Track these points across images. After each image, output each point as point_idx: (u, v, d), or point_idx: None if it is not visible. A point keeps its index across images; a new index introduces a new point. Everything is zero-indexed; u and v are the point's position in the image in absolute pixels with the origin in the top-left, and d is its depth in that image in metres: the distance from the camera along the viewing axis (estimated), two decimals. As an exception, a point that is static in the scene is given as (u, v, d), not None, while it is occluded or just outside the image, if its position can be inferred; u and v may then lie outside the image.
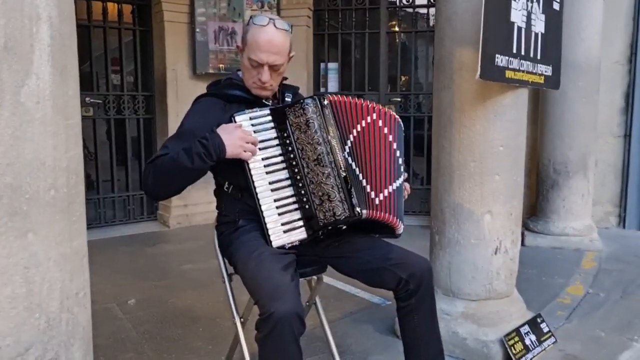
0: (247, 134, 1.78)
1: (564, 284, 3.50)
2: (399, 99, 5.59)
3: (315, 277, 2.07)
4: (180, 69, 5.22)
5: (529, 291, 3.19)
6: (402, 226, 1.91)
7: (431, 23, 5.51)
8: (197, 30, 5.17)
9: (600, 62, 4.36)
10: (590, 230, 4.40)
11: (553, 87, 2.63)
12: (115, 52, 5.23)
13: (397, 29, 5.65)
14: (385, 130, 1.89)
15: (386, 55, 5.62)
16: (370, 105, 1.90)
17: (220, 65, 5.26)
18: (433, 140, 2.56)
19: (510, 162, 2.40)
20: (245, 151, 1.77)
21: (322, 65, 5.81)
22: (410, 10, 5.59)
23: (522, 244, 3.92)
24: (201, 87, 5.19)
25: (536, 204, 4.61)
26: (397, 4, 5.60)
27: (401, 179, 1.92)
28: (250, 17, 1.89)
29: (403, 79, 5.80)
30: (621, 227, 5.02)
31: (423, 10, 5.67)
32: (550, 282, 3.53)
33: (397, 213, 1.87)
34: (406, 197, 1.99)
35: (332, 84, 5.80)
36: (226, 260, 1.96)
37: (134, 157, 5.44)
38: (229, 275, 1.95)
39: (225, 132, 1.76)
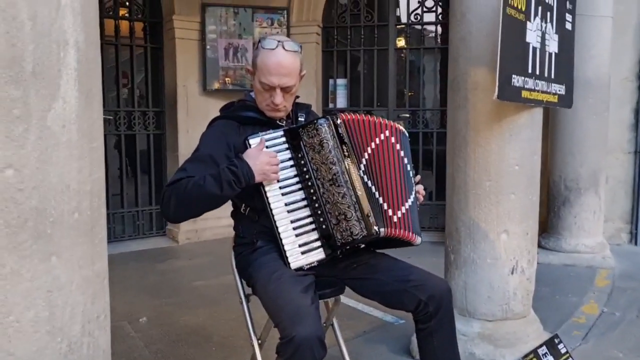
0: (272, 156, 1.79)
1: (578, 302, 3.48)
2: (407, 115, 5.60)
3: (332, 298, 2.06)
4: (190, 85, 5.26)
5: (544, 310, 3.16)
6: (420, 238, 1.93)
7: (439, 40, 5.54)
8: (208, 47, 5.22)
9: (609, 79, 4.37)
10: (603, 248, 4.38)
11: (566, 105, 2.63)
12: (126, 68, 5.28)
13: (405, 45, 5.68)
14: (398, 146, 1.91)
15: (395, 72, 5.64)
16: (382, 122, 1.91)
17: (227, 79, 5.29)
18: (448, 158, 2.56)
19: (525, 181, 2.40)
20: (273, 173, 1.78)
21: (331, 81, 5.84)
22: (419, 27, 5.62)
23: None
24: (211, 103, 5.30)
25: (547, 220, 4.59)
26: (406, 21, 5.62)
27: (414, 193, 1.93)
28: (259, 41, 1.90)
29: (411, 94, 5.81)
30: (633, 244, 4.99)
31: (431, 27, 5.70)
32: (565, 301, 3.50)
33: (414, 227, 1.89)
34: (421, 199, 2.01)
35: (341, 100, 5.82)
36: (243, 281, 1.95)
37: (144, 172, 5.46)
38: (247, 296, 1.95)
39: (251, 157, 1.76)
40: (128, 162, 5.41)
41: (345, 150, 1.82)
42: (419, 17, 5.54)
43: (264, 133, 1.84)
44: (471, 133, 2.38)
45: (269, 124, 1.94)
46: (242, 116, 1.94)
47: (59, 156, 1.20)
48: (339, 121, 1.85)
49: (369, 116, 1.91)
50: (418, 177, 2.03)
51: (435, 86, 5.76)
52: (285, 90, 1.88)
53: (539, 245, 4.48)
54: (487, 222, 2.39)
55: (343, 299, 3.14)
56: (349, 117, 1.88)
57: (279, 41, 1.86)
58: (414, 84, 5.84)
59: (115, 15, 5.10)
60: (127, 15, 5.21)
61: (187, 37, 5.18)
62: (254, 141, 1.82)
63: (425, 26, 5.63)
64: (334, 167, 1.80)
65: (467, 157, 2.40)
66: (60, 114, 1.21)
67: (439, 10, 5.47)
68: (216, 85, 5.27)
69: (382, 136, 1.88)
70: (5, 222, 1.12)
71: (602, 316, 3.26)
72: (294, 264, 1.77)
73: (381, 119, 1.92)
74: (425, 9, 5.50)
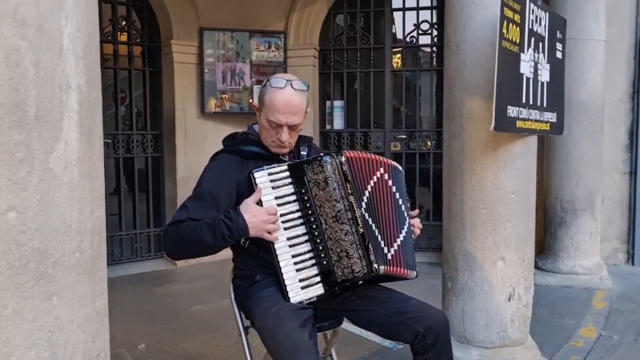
0: (271, 213, 1.80)
1: (575, 325, 3.49)
2: (404, 136, 5.64)
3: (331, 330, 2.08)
4: (188, 109, 5.30)
5: (542, 334, 3.18)
6: (415, 272, 1.96)
7: (434, 62, 5.60)
8: (206, 70, 5.27)
9: (603, 102, 4.42)
10: (600, 269, 4.40)
11: (557, 132, 2.67)
12: (125, 91, 5.32)
13: (401, 67, 5.74)
14: (390, 182, 1.95)
15: (391, 93, 5.69)
16: (378, 160, 1.95)
17: (225, 103, 5.33)
18: (444, 186, 2.59)
19: (521, 209, 2.42)
20: (268, 232, 1.80)
21: (328, 103, 5.89)
22: (414, 48, 5.68)
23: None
24: (210, 126, 5.33)
25: (544, 242, 4.61)
26: (402, 44, 5.68)
27: (406, 227, 1.96)
28: (268, 79, 1.93)
29: (409, 113, 5.86)
30: (630, 264, 5.01)
31: (427, 49, 5.76)
32: (562, 324, 3.51)
33: (408, 263, 1.93)
34: (418, 233, 2.04)
35: (338, 121, 5.87)
36: (242, 314, 1.97)
37: (142, 195, 5.47)
38: (245, 328, 1.96)
39: (249, 213, 1.78)
40: (126, 185, 5.42)
41: (349, 188, 1.85)
42: (414, 40, 5.61)
43: (268, 167, 1.86)
44: (467, 161, 2.41)
45: (273, 159, 1.96)
46: (246, 151, 1.96)
47: (60, 197, 1.22)
48: (343, 159, 1.87)
49: (367, 153, 1.94)
50: (416, 212, 2.06)
51: (431, 107, 5.81)
52: (291, 128, 1.91)
53: (536, 266, 4.50)
54: (483, 250, 2.41)
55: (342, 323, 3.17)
56: (352, 154, 1.91)
57: (287, 80, 1.89)
58: (410, 105, 5.89)
59: (114, 40, 5.15)
60: (125, 39, 5.26)
61: (185, 61, 5.23)
62: (258, 174, 1.83)
63: (421, 48, 5.70)
64: (337, 205, 1.83)
65: (463, 185, 2.43)
66: (62, 155, 1.23)
67: (434, 32, 5.54)
68: (214, 109, 5.31)
69: (378, 174, 1.92)
70: (8, 263, 1.14)
71: (600, 340, 3.27)
72: (293, 299, 1.79)
73: (377, 157, 1.95)
74: (420, 32, 5.57)
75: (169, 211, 5.42)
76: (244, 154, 1.95)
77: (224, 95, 5.34)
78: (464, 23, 2.35)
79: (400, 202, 1.96)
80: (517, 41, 2.17)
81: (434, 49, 5.61)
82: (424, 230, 5.36)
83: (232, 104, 5.37)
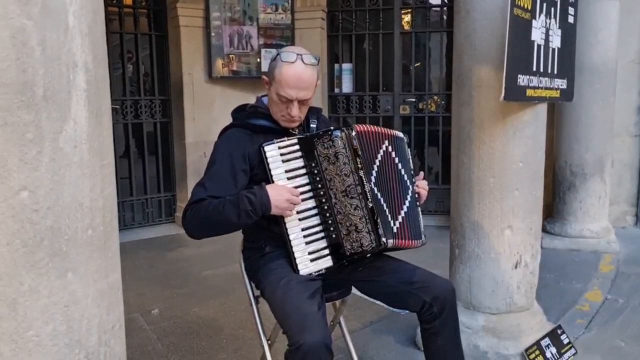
0: (294, 193, 1.81)
1: (582, 289, 3.52)
2: (413, 100, 5.60)
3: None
4: (196, 73, 5.26)
5: (548, 298, 3.21)
6: (420, 241, 1.99)
7: (445, 23, 5.50)
8: (212, 34, 5.20)
9: (616, 64, 4.35)
10: (608, 232, 4.41)
11: (567, 99, 2.65)
12: (132, 52, 5.29)
13: (411, 28, 5.64)
14: (393, 154, 1.96)
15: (400, 56, 5.62)
16: (383, 132, 1.95)
17: (232, 66, 5.29)
18: (452, 155, 2.58)
19: (529, 178, 2.42)
20: (289, 210, 1.81)
21: (337, 66, 5.82)
22: (424, 9, 5.58)
23: (540, 246, 3.95)
24: (217, 91, 5.31)
25: (552, 205, 4.61)
26: (411, 4, 5.58)
27: (410, 195, 1.97)
28: (278, 53, 1.89)
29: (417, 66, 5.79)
30: (638, 227, 5.02)
31: (437, 10, 5.65)
32: (569, 288, 3.55)
33: (413, 233, 1.95)
34: (424, 195, 2.05)
35: (347, 85, 5.82)
36: (252, 284, 2.00)
37: (152, 160, 5.50)
38: (256, 298, 2.00)
39: (273, 190, 1.78)
40: (136, 150, 5.45)
41: (359, 163, 1.85)
42: (424, 0, 5.50)
43: (278, 140, 1.86)
44: (475, 130, 2.40)
45: (283, 132, 1.95)
46: (256, 125, 1.95)
47: (71, 176, 1.23)
48: (353, 133, 1.87)
49: (374, 127, 1.93)
50: (421, 175, 2.06)
51: (441, 69, 5.73)
52: (302, 102, 1.89)
53: (544, 230, 4.52)
54: (491, 218, 2.42)
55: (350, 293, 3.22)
56: (362, 129, 1.90)
57: (298, 54, 1.86)
58: (420, 67, 5.82)
59: (120, 4, 5.09)
60: (131, 3, 5.20)
61: (191, 24, 5.17)
62: (268, 148, 1.83)
63: (431, 9, 5.59)
64: (347, 179, 1.83)
65: (471, 153, 2.43)
66: (72, 135, 1.23)
67: (445, -8, 5.43)
68: (221, 73, 5.28)
69: (384, 147, 1.93)
70: (22, 241, 1.16)
71: (605, 303, 3.30)
72: (303, 271, 1.82)
73: (382, 129, 1.95)
74: (431, -9, 5.47)
75: (179, 176, 5.46)
76: (253, 128, 1.94)
77: (231, 59, 5.29)
78: (475, -12, 2.31)
79: (403, 172, 1.97)
80: (529, 8, 2.13)
81: (445, 9, 5.50)
82: (432, 193, 5.38)
83: (240, 68, 5.33)
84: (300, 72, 1.85)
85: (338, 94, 5.80)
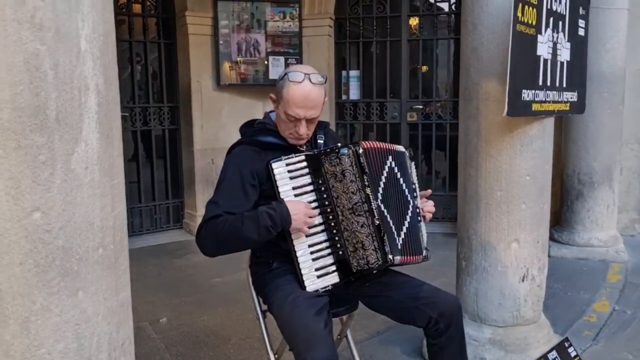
0: (310, 209, 1.83)
1: (589, 299, 3.51)
2: (420, 107, 5.60)
3: (346, 314, 2.13)
4: (204, 81, 5.29)
5: (556, 308, 3.21)
6: (421, 256, 1.99)
7: (452, 30, 5.51)
8: (221, 42, 5.23)
9: (625, 72, 4.34)
10: (616, 241, 4.39)
11: (578, 112, 2.64)
12: (141, 65, 5.33)
13: (418, 36, 5.65)
14: (396, 169, 1.97)
15: (407, 62, 5.63)
16: (388, 148, 1.97)
17: (240, 74, 5.32)
18: (459, 167, 2.59)
19: (536, 191, 2.43)
20: (306, 226, 1.82)
21: (344, 73, 5.84)
22: (432, 16, 5.59)
23: (548, 254, 3.94)
24: (225, 98, 5.34)
25: (560, 213, 4.60)
26: (419, 11, 5.59)
27: (410, 210, 1.98)
28: (285, 73, 1.91)
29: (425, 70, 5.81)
30: (647, 235, 5.00)
31: (444, 17, 5.66)
32: (576, 298, 3.54)
33: (416, 248, 1.97)
34: (429, 217, 2.06)
35: (354, 92, 5.84)
36: (260, 298, 2.02)
37: (160, 167, 5.54)
38: (263, 312, 2.02)
39: (292, 206, 1.80)
40: (145, 157, 5.49)
41: (366, 180, 1.86)
42: (431, 8, 5.52)
43: (286, 157, 1.87)
44: (482, 143, 2.40)
45: (290, 149, 1.97)
46: (264, 142, 1.96)
47: (83, 196, 1.26)
48: (360, 150, 1.88)
49: (379, 142, 1.95)
50: (428, 192, 2.07)
51: (448, 76, 5.74)
52: (309, 120, 1.91)
53: (552, 239, 4.51)
54: (498, 231, 2.42)
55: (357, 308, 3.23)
56: (368, 145, 1.91)
57: (305, 74, 1.87)
58: (427, 74, 5.83)
59: (129, 12, 5.14)
60: (140, 11, 5.24)
61: (200, 32, 5.20)
62: (276, 164, 1.85)
63: (438, 16, 5.60)
64: (354, 197, 1.85)
65: (478, 166, 2.43)
66: (83, 156, 1.26)
67: (452, 0, 5.43)
68: (229, 80, 5.31)
69: (389, 162, 1.95)
70: (35, 261, 1.19)
71: (613, 314, 3.29)
72: (309, 287, 1.83)
73: (386, 145, 1.97)
74: (438, -1, 5.48)
75: (187, 183, 5.50)
76: (261, 144, 1.96)
77: (240, 67, 5.32)
78: (482, 2, 2.32)
79: (404, 186, 1.98)
80: (534, 23, 2.14)
81: (452, 16, 5.51)
82: (439, 200, 5.38)
83: (248, 75, 5.36)
84: (307, 91, 1.86)
85: (345, 100, 5.82)
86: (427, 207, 2.06)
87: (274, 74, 5.31)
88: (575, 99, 2.55)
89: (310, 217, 1.82)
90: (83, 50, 1.25)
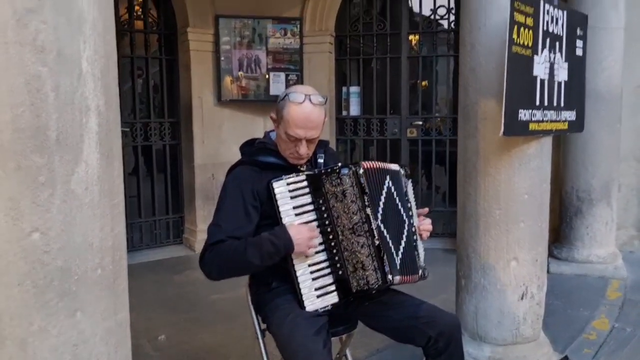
0: (313, 231, 1.84)
1: (589, 316, 3.50)
2: (420, 123, 5.63)
3: (345, 333, 2.13)
4: (205, 96, 5.32)
5: (555, 325, 3.20)
6: (417, 276, 1.99)
7: (452, 47, 5.55)
8: (222, 58, 5.28)
9: (621, 91, 4.36)
10: (615, 258, 4.39)
11: (577, 130, 2.66)
12: (142, 80, 5.37)
13: (418, 53, 5.69)
14: (393, 188, 1.98)
15: (407, 79, 5.67)
16: (385, 168, 1.98)
17: (241, 90, 5.35)
18: (458, 186, 2.60)
19: (535, 210, 2.43)
20: (309, 248, 1.83)
21: (344, 89, 5.87)
22: (431, 34, 5.63)
23: (547, 271, 3.94)
24: (226, 114, 5.36)
25: (559, 229, 4.60)
26: (419, 29, 5.64)
27: (405, 230, 1.98)
28: (286, 94, 1.92)
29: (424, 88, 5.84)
30: (646, 251, 4.99)
31: (443, 35, 5.70)
32: (576, 315, 3.53)
33: (412, 267, 1.97)
34: (426, 236, 2.06)
35: (354, 108, 5.86)
36: (259, 317, 2.02)
37: (160, 182, 5.55)
38: (262, 331, 2.01)
39: (295, 230, 1.81)
40: (145, 172, 5.50)
41: (366, 200, 1.87)
42: (431, 25, 5.56)
43: (287, 177, 1.88)
44: (481, 162, 2.42)
45: (291, 169, 1.98)
46: (264, 162, 1.97)
47: (82, 217, 1.26)
48: (361, 171, 1.89)
49: (378, 162, 1.96)
50: (425, 210, 2.08)
51: (447, 93, 5.78)
52: (310, 141, 1.92)
53: (551, 255, 4.50)
54: (497, 250, 2.43)
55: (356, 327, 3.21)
56: (369, 166, 1.93)
57: (306, 94, 1.89)
58: (427, 90, 5.86)
59: (131, 28, 5.18)
60: (142, 28, 5.28)
61: (201, 48, 5.24)
62: (277, 184, 1.86)
63: (437, 34, 5.64)
64: (355, 217, 1.86)
65: (477, 185, 2.44)
66: (83, 177, 1.26)
67: (451, 17, 5.48)
68: (230, 96, 5.33)
69: (387, 182, 1.95)
70: (33, 282, 1.19)
71: (612, 332, 3.28)
72: (309, 307, 1.83)
73: (384, 164, 1.98)
74: (437, 17, 5.52)
75: (187, 198, 5.50)
76: (261, 165, 1.97)
77: (241, 83, 5.35)
78: (479, 23, 2.34)
79: (400, 205, 1.98)
80: (530, 44, 2.16)
81: (451, 34, 5.55)
82: (439, 216, 5.37)
83: (249, 91, 5.39)
84: (308, 112, 1.87)
85: (346, 116, 5.85)
86: (425, 225, 2.06)
87: (274, 90, 5.34)
88: (573, 118, 2.57)
89: (314, 239, 1.83)
90: (84, 71, 1.26)
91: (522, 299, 2.47)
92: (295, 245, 1.79)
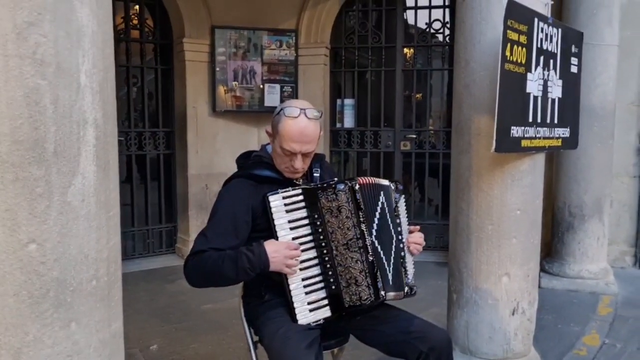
0: (292, 248, 1.83)
1: (579, 332, 3.52)
2: (414, 136, 5.66)
3: (337, 346, 2.14)
4: (200, 107, 5.34)
5: (546, 341, 3.22)
6: (403, 293, 1.98)
7: (446, 61, 5.60)
8: (217, 69, 5.30)
9: (615, 107, 4.41)
10: (606, 274, 4.42)
11: (571, 147, 2.69)
12: (137, 89, 5.38)
13: (412, 66, 5.74)
14: (385, 204, 1.98)
15: (402, 92, 5.70)
16: (379, 183, 1.99)
17: (236, 101, 5.36)
18: (451, 201, 2.62)
19: (527, 226, 2.46)
20: (287, 267, 1.83)
21: (339, 101, 5.90)
22: (426, 47, 5.68)
23: (538, 285, 3.95)
24: (221, 124, 5.37)
25: (551, 244, 4.63)
26: (414, 42, 5.69)
27: (394, 245, 1.98)
28: (281, 108, 1.94)
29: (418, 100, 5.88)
30: (637, 267, 5.02)
31: (438, 48, 5.75)
32: (566, 330, 3.54)
33: (399, 283, 1.96)
34: (417, 252, 2.06)
35: (348, 120, 5.88)
36: (252, 329, 2.02)
37: (154, 191, 5.55)
38: (254, 344, 2.02)
39: (272, 247, 1.81)
40: (139, 181, 5.50)
41: (361, 216, 1.89)
42: (426, 39, 5.61)
43: (283, 191, 1.89)
44: (474, 178, 2.44)
45: (286, 183, 1.98)
46: (260, 176, 1.98)
47: (78, 229, 1.27)
48: (357, 187, 1.90)
49: (372, 178, 1.97)
50: (417, 228, 2.09)
51: (441, 106, 5.82)
52: (305, 155, 1.93)
53: (543, 270, 4.53)
54: (488, 265, 2.45)
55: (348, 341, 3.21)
56: (364, 181, 1.94)
57: (301, 109, 1.90)
58: (421, 103, 5.90)
59: (127, 38, 5.20)
60: (138, 37, 5.30)
61: (197, 59, 5.26)
62: (273, 198, 1.86)
63: (432, 47, 5.69)
64: (349, 233, 1.87)
65: (470, 200, 2.46)
66: (80, 189, 1.27)
67: (446, 31, 5.53)
68: (225, 107, 5.35)
69: (381, 198, 1.96)
70: (29, 292, 1.19)
71: (603, 348, 3.30)
72: (301, 321, 1.84)
73: (378, 180, 1.99)
74: (432, 30, 5.57)
75: (181, 208, 5.50)
76: (257, 178, 1.97)
77: (236, 94, 5.37)
78: (474, 40, 2.37)
79: (390, 221, 1.99)
80: (523, 62, 2.19)
81: (446, 48, 5.60)
82: (432, 229, 5.37)
83: (244, 102, 5.41)
84: (303, 126, 1.89)
85: (340, 128, 5.87)
86: (415, 239, 2.05)
87: (269, 101, 5.37)
88: (567, 134, 2.60)
89: (292, 257, 1.82)
90: (83, 85, 1.27)
91: (513, 314, 2.48)
92: (270, 262, 1.79)
